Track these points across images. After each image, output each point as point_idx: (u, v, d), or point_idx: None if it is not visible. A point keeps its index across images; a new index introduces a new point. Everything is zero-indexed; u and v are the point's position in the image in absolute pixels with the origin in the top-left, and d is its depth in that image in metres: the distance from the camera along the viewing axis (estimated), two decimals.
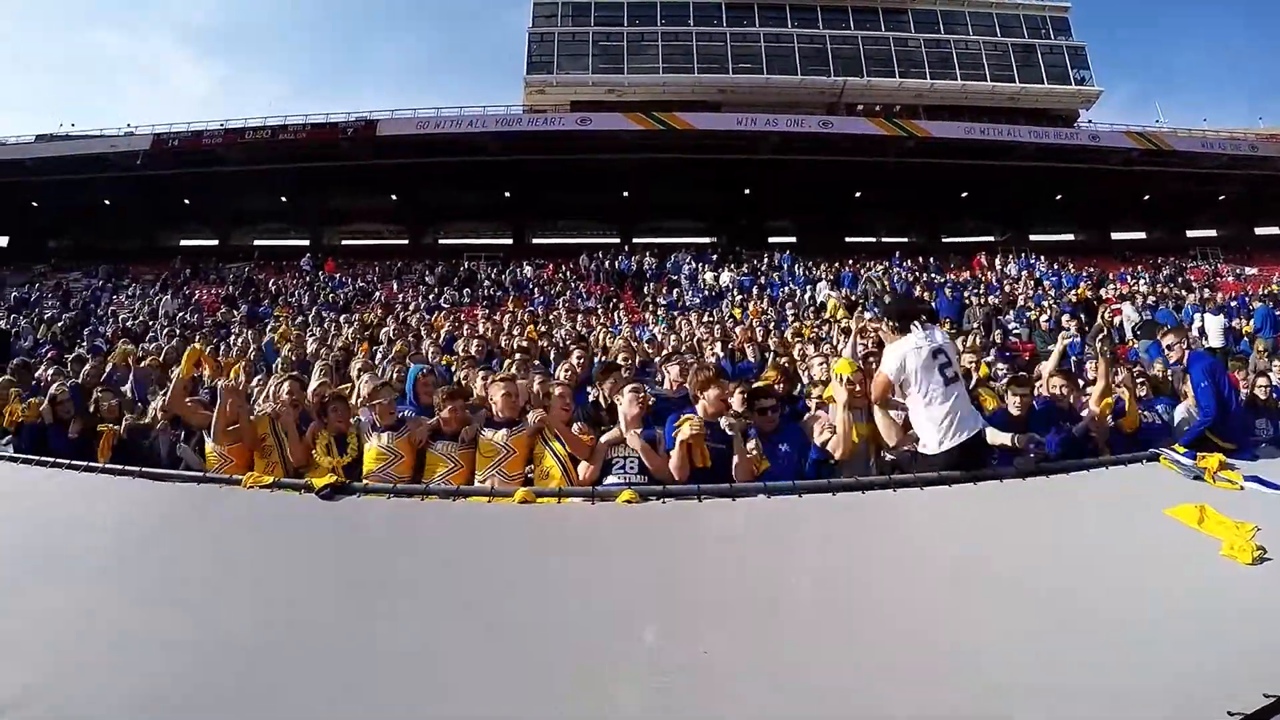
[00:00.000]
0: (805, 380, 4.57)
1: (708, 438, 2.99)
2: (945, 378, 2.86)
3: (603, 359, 5.40)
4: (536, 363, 5.44)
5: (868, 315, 4.09)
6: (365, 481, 2.86)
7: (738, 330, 7.89)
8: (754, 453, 3.09)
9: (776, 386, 4.11)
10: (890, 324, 3.07)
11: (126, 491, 2.77)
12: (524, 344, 6.50)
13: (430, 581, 2.01)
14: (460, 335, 7.70)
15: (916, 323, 2.98)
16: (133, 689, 1.52)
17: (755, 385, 3.86)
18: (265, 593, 1.97)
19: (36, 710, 1.46)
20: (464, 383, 4.25)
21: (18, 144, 21.68)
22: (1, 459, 3.32)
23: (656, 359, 5.77)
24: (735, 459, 3.01)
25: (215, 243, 23.45)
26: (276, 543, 2.38)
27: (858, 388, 3.27)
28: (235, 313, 16.03)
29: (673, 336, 8.19)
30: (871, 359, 3.73)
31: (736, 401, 3.45)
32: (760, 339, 7.26)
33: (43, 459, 3.19)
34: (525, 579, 2.01)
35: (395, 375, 4.63)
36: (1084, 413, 3.84)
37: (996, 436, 3.12)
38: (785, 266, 18.84)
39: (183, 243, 23.50)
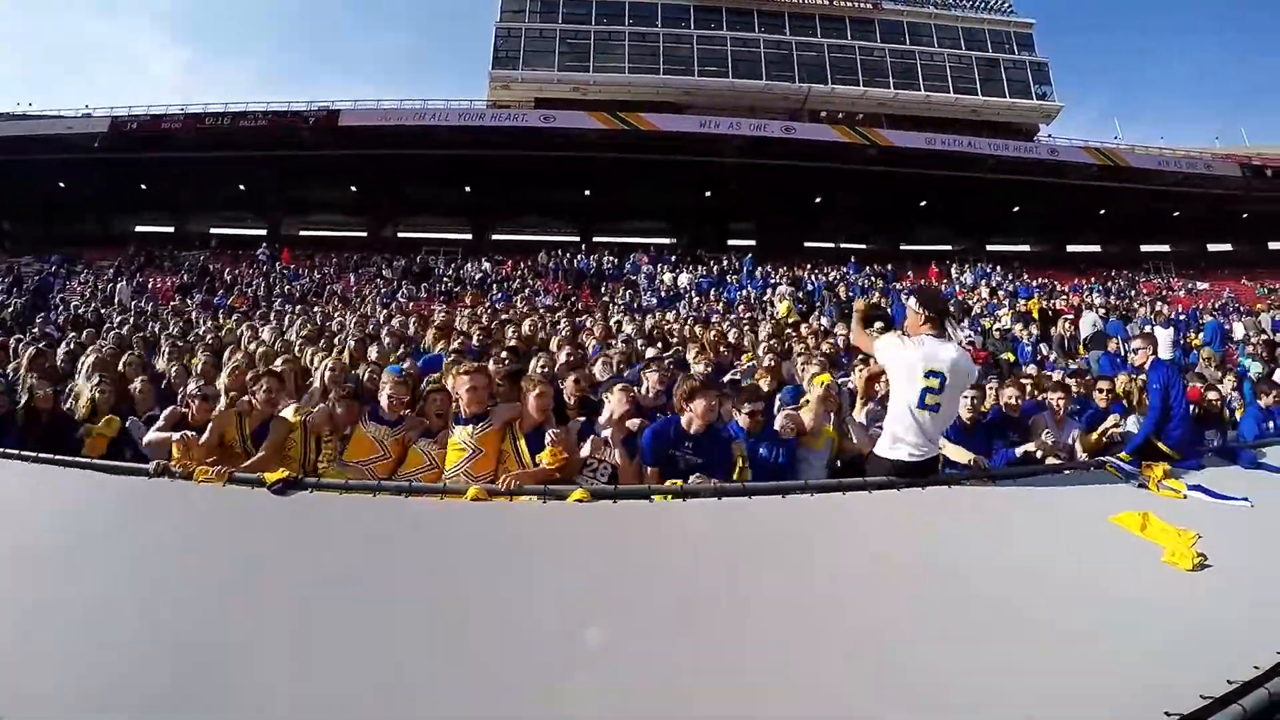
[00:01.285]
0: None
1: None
2: (922, 401, 2.73)
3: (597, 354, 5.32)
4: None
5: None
6: (319, 478, 2.81)
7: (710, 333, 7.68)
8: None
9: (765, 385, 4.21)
10: (925, 313, 2.82)
11: (74, 484, 2.70)
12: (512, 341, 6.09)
13: (381, 579, 1.97)
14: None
15: (950, 322, 2.83)
16: (78, 687, 1.47)
17: (743, 386, 4.02)
18: (216, 589, 1.91)
19: None
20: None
21: None
22: None
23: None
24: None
25: (171, 229, 23.04)
26: (228, 537, 2.33)
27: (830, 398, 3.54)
28: (189, 301, 15.82)
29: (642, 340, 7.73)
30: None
31: (744, 421, 3.48)
32: (734, 340, 7.16)
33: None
34: (476, 577, 1.98)
35: (368, 375, 4.35)
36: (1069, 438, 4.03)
37: (958, 454, 3.16)
38: (745, 270, 18.97)
39: (139, 228, 23.04)
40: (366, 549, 2.19)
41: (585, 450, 3.12)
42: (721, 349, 6.34)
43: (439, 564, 2.08)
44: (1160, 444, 3.36)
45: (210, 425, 3.27)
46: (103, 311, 13.96)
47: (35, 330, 11.08)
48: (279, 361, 4.63)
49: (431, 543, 2.26)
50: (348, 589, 1.89)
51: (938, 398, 2.74)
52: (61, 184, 21.66)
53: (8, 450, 2.99)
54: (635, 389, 3.65)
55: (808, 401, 3.66)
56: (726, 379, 4.80)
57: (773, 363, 5.07)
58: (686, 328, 8.46)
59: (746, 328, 8.29)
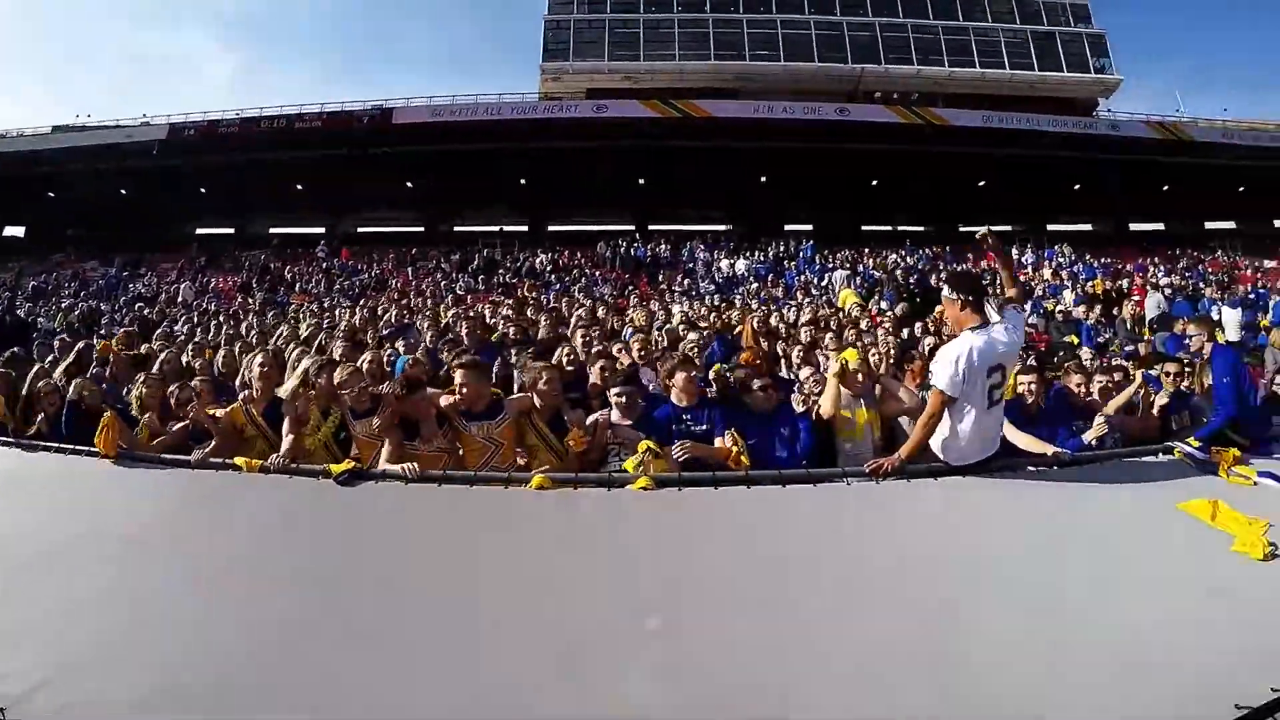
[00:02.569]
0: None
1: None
2: (991, 400, 2.65)
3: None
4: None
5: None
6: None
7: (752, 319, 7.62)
8: (735, 448, 2.98)
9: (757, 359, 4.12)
10: (961, 297, 2.70)
11: (128, 479, 2.77)
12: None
13: (445, 570, 2.02)
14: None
15: (990, 304, 2.76)
16: (146, 678, 1.53)
17: (733, 366, 3.87)
18: (284, 580, 1.97)
19: (40, 702, 1.45)
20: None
21: (35, 135, 21.83)
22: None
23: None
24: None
25: (232, 231, 23.55)
26: (294, 529, 2.39)
27: (860, 378, 3.31)
28: (251, 300, 16.17)
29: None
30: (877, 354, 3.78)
31: (757, 399, 3.36)
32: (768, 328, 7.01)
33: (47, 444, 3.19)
34: (541, 567, 2.02)
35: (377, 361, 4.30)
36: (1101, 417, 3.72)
37: (1033, 444, 3.03)
38: (804, 255, 18.79)
39: (199, 231, 23.63)
40: (431, 539, 2.24)
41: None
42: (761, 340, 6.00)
43: (505, 554, 2.10)
44: (1229, 431, 3.17)
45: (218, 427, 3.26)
46: (167, 312, 14.34)
47: (101, 331, 11.41)
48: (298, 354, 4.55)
49: (496, 532, 2.28)
50: (415, 580, 1.93)
51: (1001, 391, 2.71)
52: (123, 191, 22.25)
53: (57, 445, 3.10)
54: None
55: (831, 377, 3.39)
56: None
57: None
58: (719, 314, 8.29)
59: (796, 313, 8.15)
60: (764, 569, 2.02)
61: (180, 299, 17.06)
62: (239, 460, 2.75)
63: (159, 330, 8.49)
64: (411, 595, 1.86)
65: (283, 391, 3.41)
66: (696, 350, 4.68)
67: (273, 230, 22.80)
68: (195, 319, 11.30)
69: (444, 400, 3.13)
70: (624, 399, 3.21)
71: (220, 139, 21.43)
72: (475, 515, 2.40)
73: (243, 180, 21.66)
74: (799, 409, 3.52)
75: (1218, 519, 2.27)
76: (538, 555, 2.11)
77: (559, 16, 22.19)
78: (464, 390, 3.05)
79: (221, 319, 10.69)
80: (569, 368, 3.87)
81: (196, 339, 7.28)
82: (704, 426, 3.13)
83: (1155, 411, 3.98)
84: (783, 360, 5.12)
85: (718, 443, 3.01)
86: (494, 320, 6.78)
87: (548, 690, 1.50)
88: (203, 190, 22.57)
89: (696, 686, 1.52)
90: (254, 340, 6.39)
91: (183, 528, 2.41)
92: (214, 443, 3.22)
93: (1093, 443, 3.45)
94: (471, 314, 6.58)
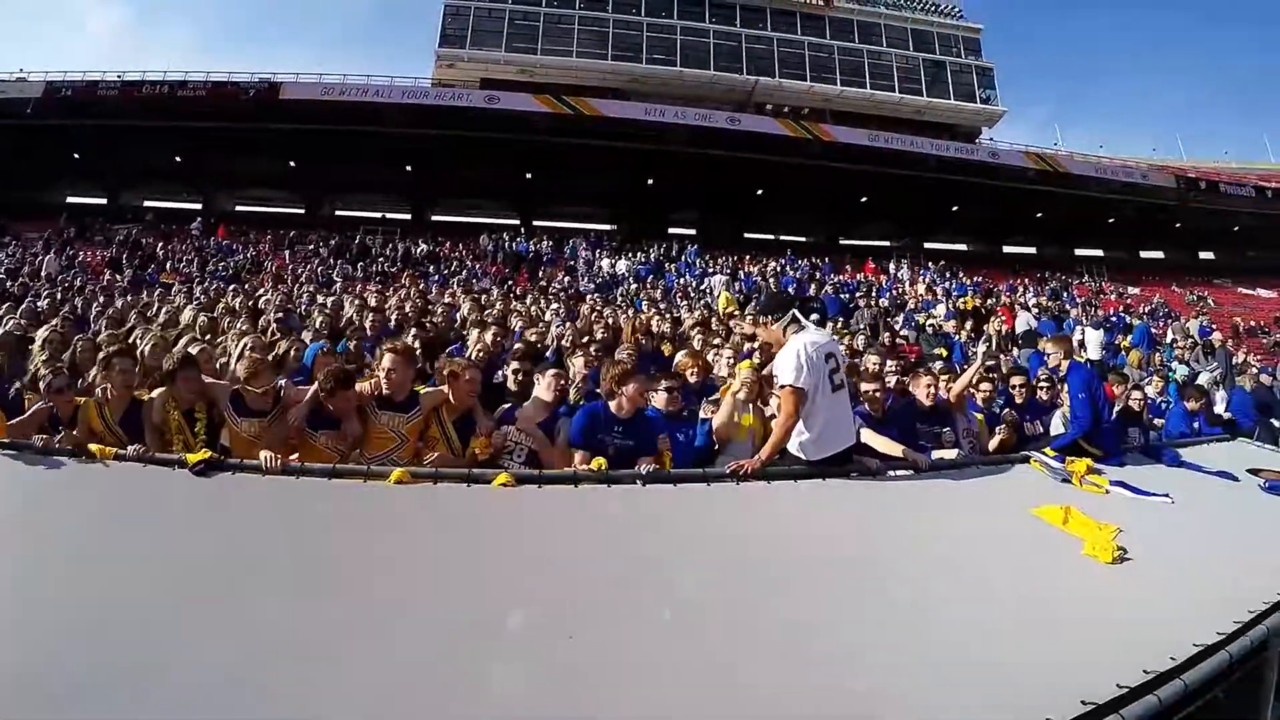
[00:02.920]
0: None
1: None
2: (833, 384, 2.83)
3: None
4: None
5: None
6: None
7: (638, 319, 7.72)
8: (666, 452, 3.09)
9: (690, 374, 4.09)
10: (774, 319, 3.02)
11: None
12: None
13: (302, 563, 1.91)
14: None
15: (801, 315, 2.99)
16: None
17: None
18: (131, 572, 1.82)
19: None
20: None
21: None
22: None
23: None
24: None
25: (104, 201, 22.36)
26: (148, 520, 2.23)
27: (753, 385, 3.49)
28: (120, 276, 15.39)
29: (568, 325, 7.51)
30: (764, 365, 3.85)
31: (661, 400, 3.40)
32: (658, 329, 7.08)
33: None
34: (398, 561, 1.95)
35: (290, 351, 4.16)
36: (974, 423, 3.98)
37: (888, 446, 3.15)
38: (688, 260, 19.05)
39: (70, 199, 22.31)
40: (289, 532, 2.15)
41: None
42: (640, 338, 6.23)
43: (364, 547, 2.03)
44: (1084, 441, 3.41)
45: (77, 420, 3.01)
46: (30, 285, 13.56)
47: None
48: (186, 342, 4.28)
49: (355, 525, 2.21)
50: (274, 574, 1.83)
51: (841, 376, 2.90)
52: None
53: None
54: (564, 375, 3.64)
55: (728, 388, 3.62)
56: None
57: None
58: (612, 317, 8.29)
59: (676, 315, 8.27)
60: (614, 568, 1.97)
61: (45, 272, 16.10)
62: (93, 447, 2.58)
63: (23, 306, 7.99)
64: (251, 591, 1.74)
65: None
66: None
67: (147, 204, 21.75)
68: (59, 295, 10.69)
69: (360, 385, 3.07)
70: (555, 378, 3.34)
71: (99, 102, 20.35)
72: (330, 508, 2.30)
73: (119, 148, 20.63)
74: (703, 415, 3.61)
75: (1069, 524, 2.36)
76: (396, 548, 2.03)
77: (459, 3, 21.92)
78: (390, 376, 3.01)
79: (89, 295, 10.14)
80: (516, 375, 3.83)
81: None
82: (632, 443, 3.05)
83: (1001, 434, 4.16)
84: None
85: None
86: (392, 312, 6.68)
87: (387, 693, 1.41)
88: (76, 156, 21.39)
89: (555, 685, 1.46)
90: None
91: (15, 516, 2.24)
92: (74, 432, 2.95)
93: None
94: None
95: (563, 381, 3.46)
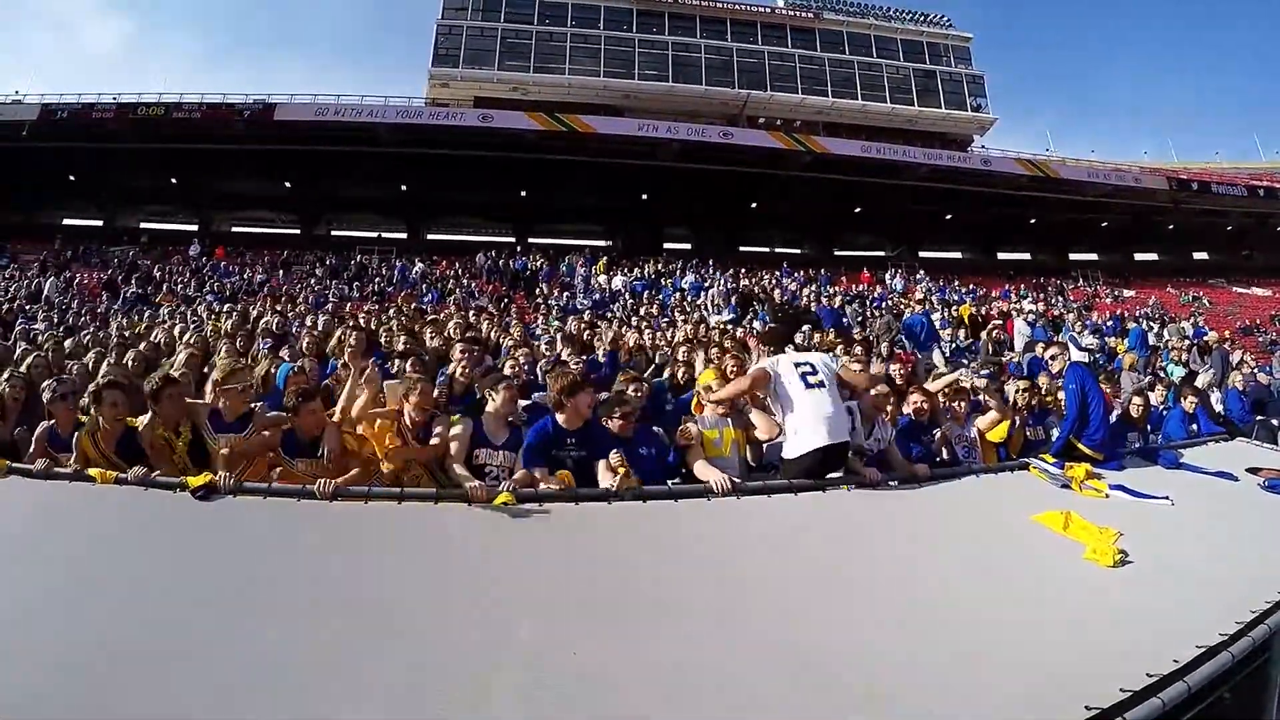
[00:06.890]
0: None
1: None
2: (806, 383, 2.98)
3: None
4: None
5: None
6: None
7: (628, 334, 7.67)
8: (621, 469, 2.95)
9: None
10: (769, 348, 3.37)
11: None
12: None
13: (305, 585, 1.90)
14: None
15: (791, 346, 3.29)
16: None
17: (617, 390, 3.81)
18: (136, 597, 1.81)
19: None
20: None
21: None
22: None
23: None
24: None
25: (100, 223, 22.42)
26: (148, 544, 2.22)
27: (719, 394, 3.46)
28: (117, 298, 15.36)
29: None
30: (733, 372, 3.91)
31: (614, 426, 3.25)
32: (650, 342, 7.08)
33: None
34: (400, 581, 1.94)
35: (271, 370, 4.19)
36: (971, 431, 3.98)
37: (855, 465, 3.15)
38: (686, 274, 19.04)
39: (66, 221, 22.38)
40: (291, 555, 2.14)
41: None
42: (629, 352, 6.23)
43: (368, 568, 2.02)
44: (1082, 446, 3.41)
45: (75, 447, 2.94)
46: (26, 309, 13.55)
47: None
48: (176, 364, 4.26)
49: (360, 546, 2.19)
50: (276, 597, 1.82)
51: (819, 377, 3.01)
52: None
53: None
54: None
55: (700, 404, 3.59)
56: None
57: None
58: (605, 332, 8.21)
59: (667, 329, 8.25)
60: (614, 584, 1.98)
61: (45, 295, 16.06)
62: (93, 472, 2.56)
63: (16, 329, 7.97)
64: (255, 613, 1.72)
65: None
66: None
67: (143, 225, 21.81)
68: (56, 318, 10.65)
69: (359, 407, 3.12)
70: (507, 391, 3.27)
71: (94, 124, 20.45)
72: (336, 531, 2.29)
73: (114, 170, 20.75)
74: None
75: (1070, 529, 2.36)
76: (398, 568, 2.03)
77: (451, 22, 22.16)
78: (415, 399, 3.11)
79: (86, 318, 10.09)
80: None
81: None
82: (585, 453, 2.98)
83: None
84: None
85: (601, 465, 2.90)
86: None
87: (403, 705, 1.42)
88: (71, 178, 21.50)
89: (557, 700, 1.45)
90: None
91: (21, 541, 2.22)
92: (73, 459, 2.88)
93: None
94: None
95: (514, 393, 3.39)
